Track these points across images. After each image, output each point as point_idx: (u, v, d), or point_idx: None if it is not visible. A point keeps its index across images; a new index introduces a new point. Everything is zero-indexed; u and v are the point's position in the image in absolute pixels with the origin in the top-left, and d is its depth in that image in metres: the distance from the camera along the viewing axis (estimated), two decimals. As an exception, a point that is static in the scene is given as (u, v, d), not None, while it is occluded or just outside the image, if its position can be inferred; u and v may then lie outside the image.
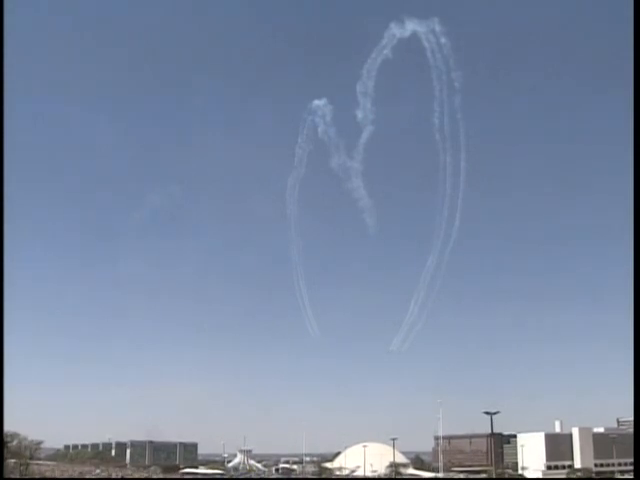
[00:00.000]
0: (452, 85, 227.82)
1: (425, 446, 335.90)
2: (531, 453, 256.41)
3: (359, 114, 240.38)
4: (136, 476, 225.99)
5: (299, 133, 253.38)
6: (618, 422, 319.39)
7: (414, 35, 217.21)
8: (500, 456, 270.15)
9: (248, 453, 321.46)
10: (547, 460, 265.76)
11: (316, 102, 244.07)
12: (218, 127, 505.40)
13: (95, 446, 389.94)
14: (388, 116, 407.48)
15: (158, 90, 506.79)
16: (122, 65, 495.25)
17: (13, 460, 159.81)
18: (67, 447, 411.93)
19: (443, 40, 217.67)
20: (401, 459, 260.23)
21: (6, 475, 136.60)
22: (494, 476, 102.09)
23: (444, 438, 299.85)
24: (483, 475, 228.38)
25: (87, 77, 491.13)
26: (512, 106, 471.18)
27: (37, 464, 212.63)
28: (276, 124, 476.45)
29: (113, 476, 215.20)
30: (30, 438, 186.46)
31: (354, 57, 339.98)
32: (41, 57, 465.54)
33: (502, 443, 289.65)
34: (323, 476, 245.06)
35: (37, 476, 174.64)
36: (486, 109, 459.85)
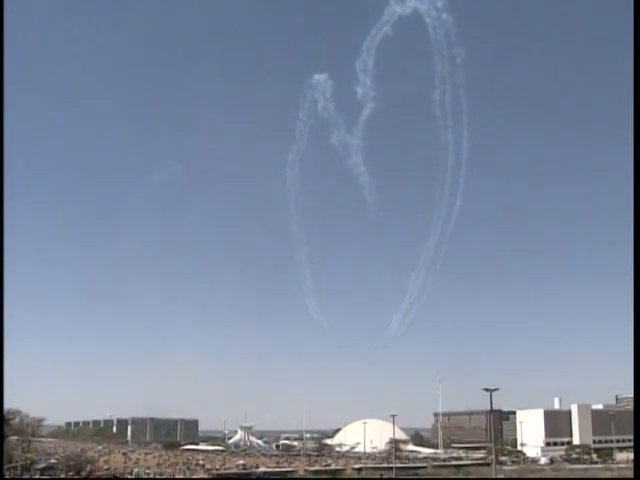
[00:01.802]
0: (454, 61, 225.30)
1: (425, 423, 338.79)
2: (530, 430, 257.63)
3: (359, 91, 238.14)
4: (138, 452, 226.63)
5: (299, 108, 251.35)
6: (617, 399, 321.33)
7: (415, 11, 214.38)
8: (499, 432, 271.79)
9: (249, 430, 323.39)
10: (546, 436, 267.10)
11: (316, 76, 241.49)
12: (218, 103, 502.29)
13: (96, 423, 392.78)
14: (389, 93, 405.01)
15: (157, 68, 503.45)
16: (122, 43, 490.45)
17: (15, 437, 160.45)
18: (68, 424, 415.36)
19: (445, 16, 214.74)
20: (401, 435, 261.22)
21: (9, 451, 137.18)
22: (493, 452, 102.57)
23: (443, 415, 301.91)
24: (483, 451, 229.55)
25: (87, 55, 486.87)
26: (515, 83, 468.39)
27: (39, 441, 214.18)
28: (276, 100, 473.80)
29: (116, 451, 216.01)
30: (32, 415, 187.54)
31: (355, 32, 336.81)
32: (41, 37, 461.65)
33: (501, 420, 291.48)
34: (323, 453, 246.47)
35: (39, 453, 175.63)
36: (489, 86, 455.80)
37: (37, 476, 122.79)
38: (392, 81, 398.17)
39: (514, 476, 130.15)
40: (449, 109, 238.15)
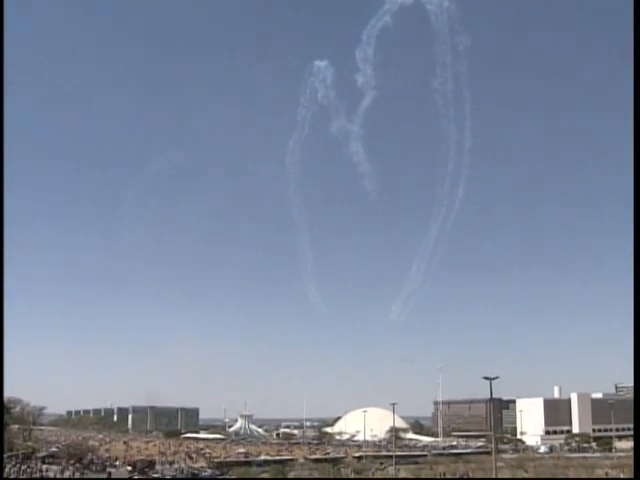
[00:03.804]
0: (456, 49, 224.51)
1: (425, 411, 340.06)
2: (530, 418, 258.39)
3: (359, 79, 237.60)
4: (139, 440, 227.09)
5: (301, 94, 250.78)
6: (616, 388, 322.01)
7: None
8: (499, 421, 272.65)
9: (249, 418, 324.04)
10: (545, 425, 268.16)
11: (317, 63, 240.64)
12: (218, 90, 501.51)
13: (97, 411, 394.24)
14: (391, 81, 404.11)
15: (159, 54, 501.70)
16: (121, 30, 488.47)
17: (16, 426, 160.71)
18: (69, 413, 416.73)
19: (447, 3, 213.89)
20: (401, 424, 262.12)
21: (10, 439, 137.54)
22: (493, 441, 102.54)
23: (444, 403, 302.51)
24: (482, 440, 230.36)
25: (89, 41, 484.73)
26: (518, 71, 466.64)
27: (40, 430, 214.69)
28: (277, 86, 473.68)
29: (116, 439, 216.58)
30: (33, 404, 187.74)
31: (358, 20, 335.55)
32: (38, 27, 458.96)
33: (501, 408, 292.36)
34: (323, 441, 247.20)
35: (40, 441, 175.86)
36: (491, 73, 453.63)
37: (40, 464, 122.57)
38: (394, 69, 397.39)
39: (513, 464, 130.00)
40: (451, 97, 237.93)
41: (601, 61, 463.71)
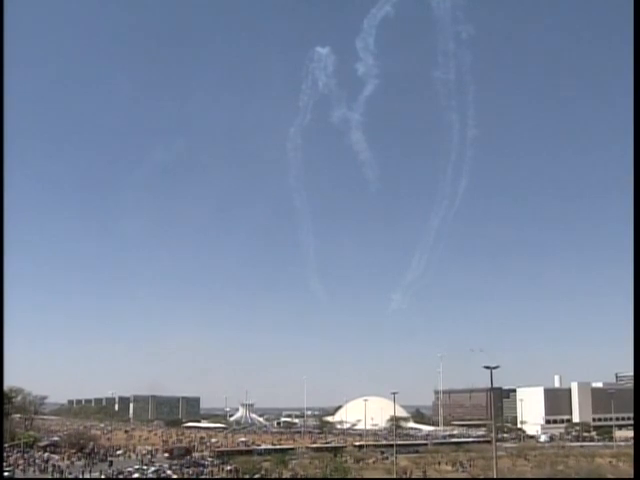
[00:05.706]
0: (459, 38, 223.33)
1: (425, 400, 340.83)
2: (530, 407, 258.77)
3: (360, 68, 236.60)
4: (140, 430, 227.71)
5: (302, 81, 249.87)
6: (617, 377, 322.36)
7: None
8: (499, 410, 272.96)
9: (250, 407, 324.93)
10: (546, 414, 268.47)
11: (319, 49, 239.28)
12: (220, 78, 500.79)
13: (99, 401, 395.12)
14: (391, 69, 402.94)
15: (160, 44, 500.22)
16: (123, 19, 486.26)
17: (18, 415, 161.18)
18: (71, 402, 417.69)
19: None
20: (402, 413, 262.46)
21: (12, 428, 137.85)
22: (493, 430, 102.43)
23: (444, 392, 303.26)
24: (483, 429, 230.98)
25: (91, 33, 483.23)
26: (522, 59, 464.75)
27: (42, 419, 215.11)
28: (278, 73, 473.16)
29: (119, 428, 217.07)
30: (34, 393, 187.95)
31: (359, 8, 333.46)
32: (40, 16, 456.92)
33: (502, 397, 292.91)
34: (324, 430, 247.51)
35: (42, 430, 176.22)
36: (494, 62, 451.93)
37: (42, 453, 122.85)
38: (395, 57, 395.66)
39: (514, 453, 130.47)
40: (453, 86, 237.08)
41: (605, 50, 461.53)
